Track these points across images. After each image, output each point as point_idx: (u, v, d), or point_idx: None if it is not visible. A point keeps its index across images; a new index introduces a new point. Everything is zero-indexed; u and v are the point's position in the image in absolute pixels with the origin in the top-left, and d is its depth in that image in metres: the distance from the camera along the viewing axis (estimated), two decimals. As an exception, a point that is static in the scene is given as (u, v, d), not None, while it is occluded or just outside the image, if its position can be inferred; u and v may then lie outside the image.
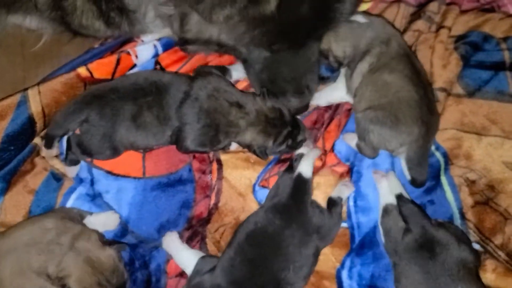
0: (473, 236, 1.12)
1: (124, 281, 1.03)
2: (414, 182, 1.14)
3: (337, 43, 1.20)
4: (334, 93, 1.27)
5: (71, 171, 1.19)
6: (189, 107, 1.13)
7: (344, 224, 1.15)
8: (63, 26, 1.29)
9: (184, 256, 1.09)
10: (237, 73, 1.27)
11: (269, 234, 1.03)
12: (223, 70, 1.26)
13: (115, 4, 1.19)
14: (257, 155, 1.17)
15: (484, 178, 1.18)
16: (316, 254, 1.06)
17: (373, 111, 1.12)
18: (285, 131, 1.15)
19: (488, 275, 1.08)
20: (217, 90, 1.15)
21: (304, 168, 1.12)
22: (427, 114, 1.11)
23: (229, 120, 1.14)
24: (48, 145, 1.17)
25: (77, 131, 1.17)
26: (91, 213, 1.14)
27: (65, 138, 1.19)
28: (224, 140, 1.16)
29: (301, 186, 1.09)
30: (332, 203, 1.13)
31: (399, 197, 1.09)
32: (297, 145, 1.18)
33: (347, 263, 1.11)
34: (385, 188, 1.12)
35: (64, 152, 1.18)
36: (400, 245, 1.03)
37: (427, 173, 1.13)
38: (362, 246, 1.12)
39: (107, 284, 0.99)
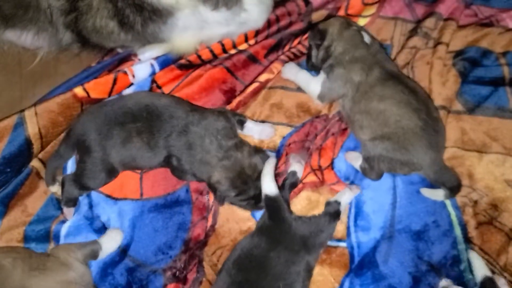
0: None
1: None
2: (452, 191, 1.11)
3: (339, 34, 1.22)
4: (309, 84, 1.27)
5: (69, 213, 1.17)
6: (177, 139, 1.12)
7: (343, 244, 1.13)
8: (74, 34, 1.28)
9: None
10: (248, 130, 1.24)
11: (254, 257, 1.02)
12: (240, 121, 1.23)
13: (131, 0, 1.19)
14: (214, 197, 1.14)
15: (486, 197, 1.16)
16: (308, 269, 1.04)
17: (381, 142, 1.11)
18: (251, 192, 1.10)
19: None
20: (208, 128, 1.13)
21: (267, 187, 1.07)
22: (435, 136, 1.10)
23: (203, 158, 1.11)
24: (50, 181, 1.16)
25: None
26: (97, 243, 1.10)
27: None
28: (199, 178, 1.14)
29: (273, 206, 1.07)
30: (327, 205, 1.11)
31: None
32: (257, 207, 1.13)
33: (346, 284, 1.08)
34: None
35: (61, 194, 1.16)
36: None
37: (455, 176, 1.12)
38: (361, 266, 1.10)
39: None
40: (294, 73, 1.31)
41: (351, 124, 1.20)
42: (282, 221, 1.05)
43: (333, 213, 1.10)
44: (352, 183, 1.20)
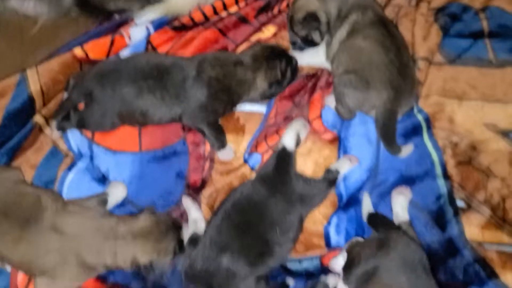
0: (457, 194, 1.16)
1: (177, 223, 1.12)
2: (386, 146, 1.17)
3: (323, 2, 1.27)
4: (315, 57, 1.33)
5: (55, 134, 1.25)
6: (198, 80, 1.20)
7: (332, 186, 1.20)
8: None
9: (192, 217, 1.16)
10: None
11: (254, 201, 1.08)
12: None
13: None
14: (275, 94, 1.28)
15: (466, 139, 1.22)
16: (301, 221, 1.11)
17: (347, 74, 1.17)
18: (283, 61, 1.25)
19: (472, 229, 1.13)
20: (217, 58, 1.25)
21: (288, 141, 1.16)
22: (398, 77, 1.15)
23: (238, 79, 1.22)
24: (58, 115, 1.23)
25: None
26: (104, 194, 1.17)
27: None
28: (237, 101, 1.25)
29: (285, 159, 1.14)
30: (327, 173, 1.17)
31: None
32: (296, 65, 1.30)
33: (334, 220, 1.15)
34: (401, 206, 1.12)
35: (60, 119, 1.23)
36: None
37: (395, 137, 1.16)
38: (348, 204, 1.17)
39: (165, 234, 1.08)
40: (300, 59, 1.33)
41: (332, 64, 1.26)
42: (286, 174, 1.12)
43: (332, 180, 1.16)
44: (339, 132, 1.26)
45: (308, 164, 1.22)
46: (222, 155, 1.24)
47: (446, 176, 1.18)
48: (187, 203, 1.19)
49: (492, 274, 1.08)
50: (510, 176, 1.17)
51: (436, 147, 1.22)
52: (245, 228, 1.05)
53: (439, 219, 1.14)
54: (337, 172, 1.17)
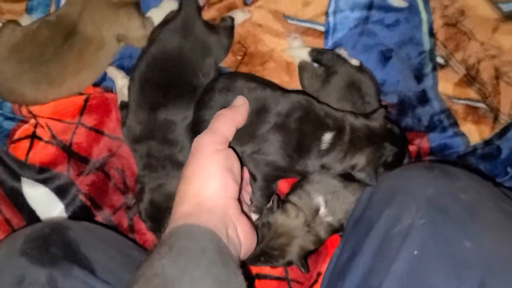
0: (438, 51, 1.22)
1: None
2: None
3: None
4: None
5: None
6: None
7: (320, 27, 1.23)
8: None
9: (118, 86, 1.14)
10: None
11: (168, 52, 1.04)
12: None
13: None
14: None
15: (457, 3, 1.24)
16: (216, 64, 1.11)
17: None
18: None
19: (445, 84, 1.20)
20: None
21: None
22: None
23: None
24: None
25: None
26: None
27: None
28: None
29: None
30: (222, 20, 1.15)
31: (312, 51, 1.13)
32: None
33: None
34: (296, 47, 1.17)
35: None
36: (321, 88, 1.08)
37: None
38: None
39: None
40: None
41: None
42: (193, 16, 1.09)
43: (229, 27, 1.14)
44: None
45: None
46: None
47: (432, 34, 1.23)
48: (112, 72, 1.15)
49: (454, 124, 1.18)
50: (489, 42, 1.22)
51: (427, 8, 1.24)
52: (167, 81, 1.02)
53: (418, 72, 1.20)
54: (232, 19, 1.15)
